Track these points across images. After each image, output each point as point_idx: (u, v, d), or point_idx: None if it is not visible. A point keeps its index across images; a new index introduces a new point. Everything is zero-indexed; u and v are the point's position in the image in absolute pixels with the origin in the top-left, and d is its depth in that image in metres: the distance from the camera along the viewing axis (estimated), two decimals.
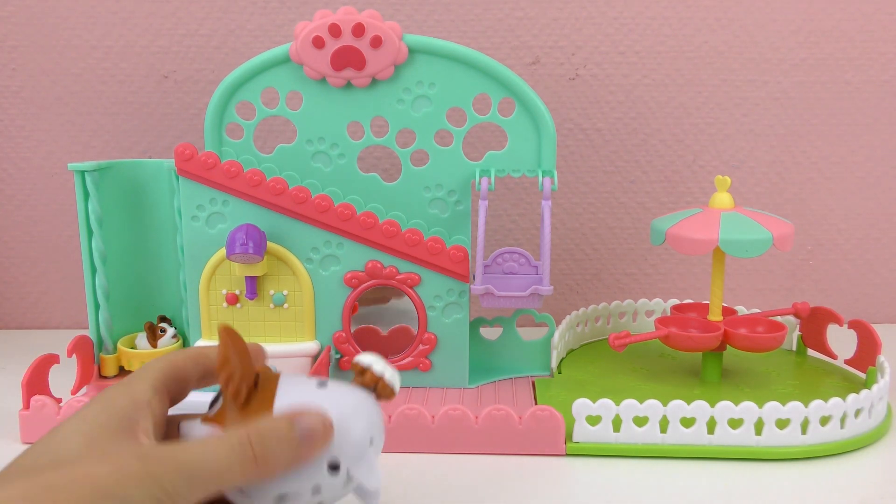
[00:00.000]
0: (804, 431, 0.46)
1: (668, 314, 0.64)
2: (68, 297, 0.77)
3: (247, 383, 0.29)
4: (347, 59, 0.53)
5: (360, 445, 0.30)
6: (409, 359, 0.55)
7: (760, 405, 0.45)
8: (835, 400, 0.45)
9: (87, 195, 0.55)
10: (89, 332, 0.57)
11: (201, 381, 0.32)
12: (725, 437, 0.46)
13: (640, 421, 0.46)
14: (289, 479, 0.29)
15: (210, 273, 0.54)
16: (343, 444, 0.29)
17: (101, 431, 0.26)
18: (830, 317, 0.59)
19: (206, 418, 0.30)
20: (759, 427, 0.46)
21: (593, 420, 0.46)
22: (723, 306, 0.57)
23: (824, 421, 0.46)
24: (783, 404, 0.45)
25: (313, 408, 0.29)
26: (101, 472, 0.24)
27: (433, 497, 0.42)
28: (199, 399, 0.32)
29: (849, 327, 0.57)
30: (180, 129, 0.72)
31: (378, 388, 0.32)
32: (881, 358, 0.53)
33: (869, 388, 0.47)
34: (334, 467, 0.29)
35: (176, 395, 0.31)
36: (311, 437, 0.28)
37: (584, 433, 0.46)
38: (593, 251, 0.76)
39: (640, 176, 0.74)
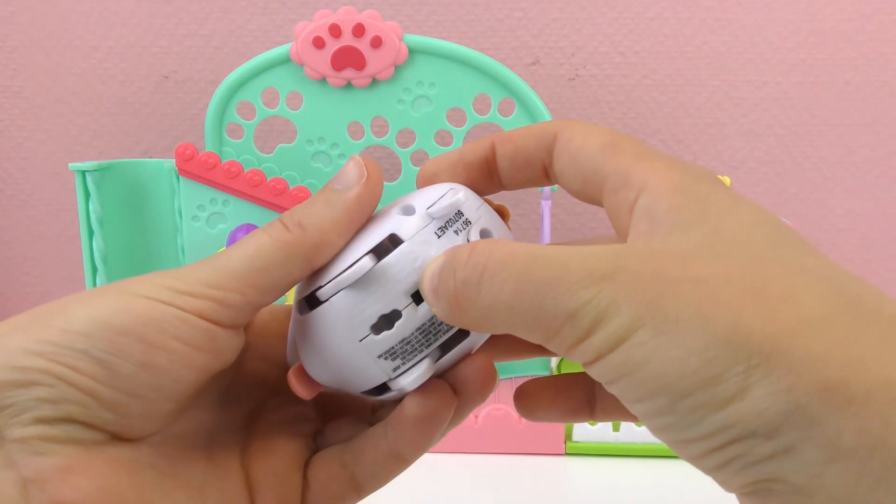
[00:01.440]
0: None
1: None
2: None
3: None
4: (347, 59, 0.53)
5: (473, 201, 0.23)
6: None
7: None
8: None
9: (87, 195, 0.56)
10: None
11: None
12: None
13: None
14: (372, 288, 0.21)
15: None
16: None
17: None
18: None
19: None
20: None
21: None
22: None
23: None
24: None
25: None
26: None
27: (433, 496, 0.42)
28: None
29: None
30: (181, 129, 0.72)
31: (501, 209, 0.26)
32: None
33: None
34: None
35: None
36: (350, 175, 0.24)
37: (583, 433, 0.46)
38: None
39: None
